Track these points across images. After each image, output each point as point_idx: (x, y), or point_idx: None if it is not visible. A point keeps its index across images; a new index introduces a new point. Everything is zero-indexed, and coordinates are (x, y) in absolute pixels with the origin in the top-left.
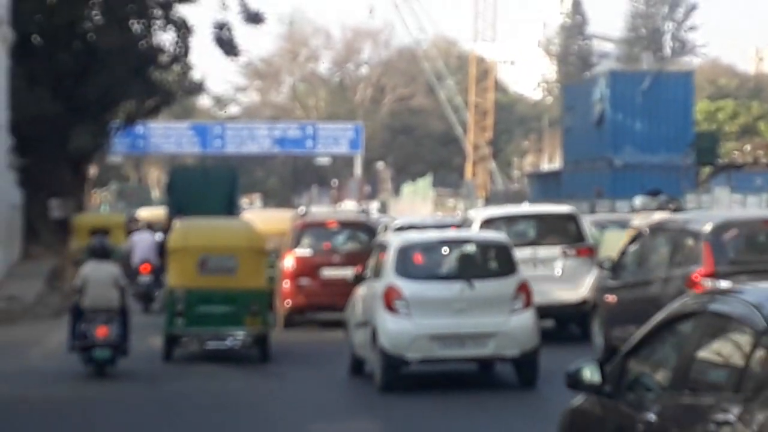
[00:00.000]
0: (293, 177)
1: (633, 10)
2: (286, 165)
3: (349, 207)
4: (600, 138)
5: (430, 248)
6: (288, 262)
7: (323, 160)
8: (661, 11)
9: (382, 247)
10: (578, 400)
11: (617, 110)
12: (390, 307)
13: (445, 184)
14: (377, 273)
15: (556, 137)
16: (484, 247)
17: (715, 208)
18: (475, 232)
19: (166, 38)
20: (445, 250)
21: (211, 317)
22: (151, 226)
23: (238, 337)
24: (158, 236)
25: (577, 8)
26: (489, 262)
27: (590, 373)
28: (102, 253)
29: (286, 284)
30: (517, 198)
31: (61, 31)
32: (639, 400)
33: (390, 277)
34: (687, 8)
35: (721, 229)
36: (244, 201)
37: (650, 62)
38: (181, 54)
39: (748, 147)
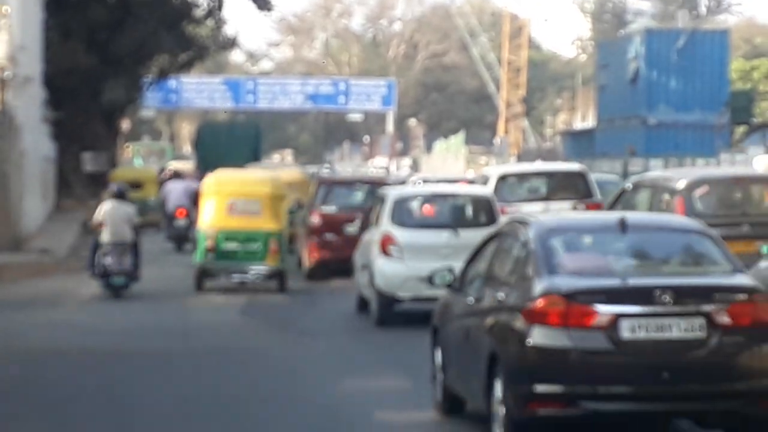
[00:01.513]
0: (325, 133)
1: None
2: (318, 121)
3: (380, 164)
4: (634, 96)
5: (423, 200)
6: (314, 219)
7: (355, 117)
8: None
9: (382, 199)
10: (444, 294)
11: (652, 68)
12: (385, 251)
13: (477, 141)
14: (377, 222)
15: (589, 95)
16: (469, 200)
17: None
18: (463, 187)
19: None
20: (434, 202)
21: (237, 253)
22: (179, 175)
23: (259, 271)
24: (193, 185)
25: None
26: (473, 213)
27: (447, 277)
28: (120, 194)
29: (312, 239)
30: (549, 156)
31: None
32: (468, 290)
33: (386, 225)
34: None
35: (693, 185)
36: (275, 157)
37: (685, 20)
38: (215, 8)
39: None
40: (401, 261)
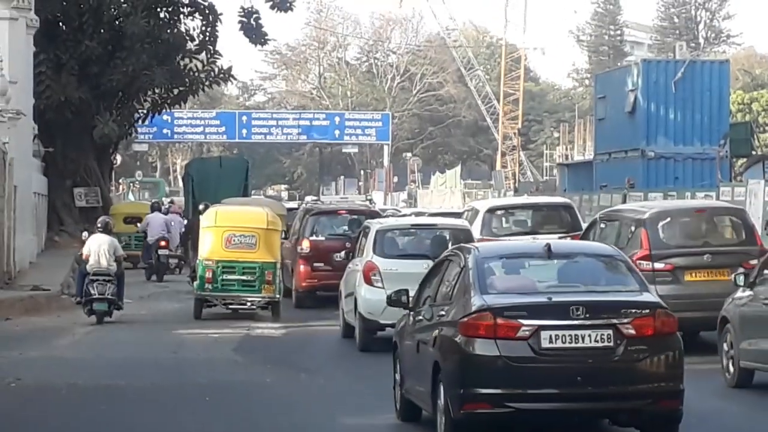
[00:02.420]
0: (320, 167)
1: None
2: (313, 155)
3: (376, 198)
4: (632, 128)
5: (403, 232)
6: (303, 247)
7: (350, 150)
8: (695, 0)
9: (365, 231)
10: (403, 314)
11: (650, 100)
12: (368, 280)
13: (474, 174)
14: (361, 252)
15: (587, 127)
16: (447, 231)
17: (750, 200)
18: (440, 219)
19: (193, 25)
20: (414, 233)
21: (234, 284)
22: (159, 208)
23: (255, 300)
24: (179, 221)
25: None
26: (451, 243)
27: (404, 297)
28: (105, 228)
29: (301, 267)
30: (547, 188)
31: (86, 18)
32: (420, 310)
33: (369, 255)
34: None
35: (657, 217)
36: (269, 191)
37: (684, 52)
38: (208, 42)
39: None
40: (383, 289)
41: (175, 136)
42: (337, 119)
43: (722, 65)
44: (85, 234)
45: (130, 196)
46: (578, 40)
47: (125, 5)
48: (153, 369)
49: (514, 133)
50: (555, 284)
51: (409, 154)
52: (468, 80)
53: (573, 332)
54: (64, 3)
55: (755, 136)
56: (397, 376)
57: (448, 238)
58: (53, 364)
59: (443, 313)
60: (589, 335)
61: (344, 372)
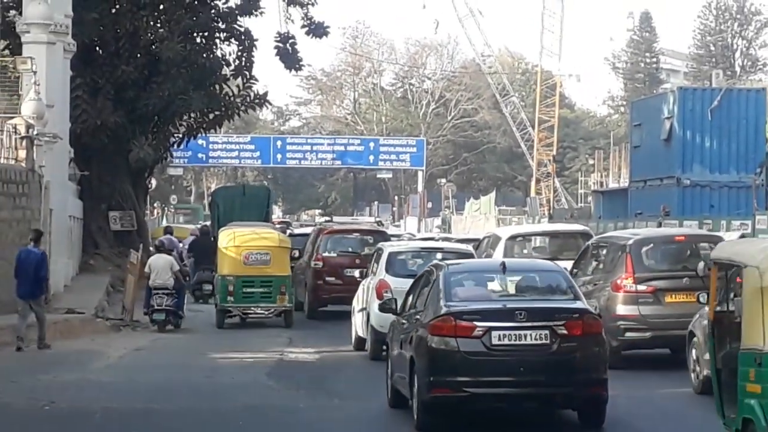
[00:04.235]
0: (354, 192)
1: (703, 27)
2: (347, 180)
3: (410, 225)
4: (668, 155)
5: (413, 254)
6: (317, 263)
7: (384, 175)
8: (731, 28)
9: (379, 253)
10: (393, 319)
11: (686, 127)
12: (380, 296)
13: (509, 201)
14: (374, 271)
15: (623, 154)
16: (452, 254)
17: None
18: (446, 244)
19: (228, 50)
20: (422, 255)
21: (252, 296)
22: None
23: (270, 310)
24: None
25: (646, 23)
26: None
27: (393, 304)
28: (162, 248)
29: (314, 281)
30: (582, 215)
31: (123, 42)
32: (404, 315)
33: (381, 275)
34: (758, 25)
35: (641, 243)
36: (303, 216)
37: (720, 80)
38: (244, 67)
39: None
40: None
41: (210, 160)
42: (371, 145)
43: (759, 93)
44: (133, 254)
45: (164, 221)
46: (614, 68)
47: (162, 30)
48: (187, 393)
49: (549, 160)
50: (506, 294)
51: (443, 180)
52: (503, 106)
53: (517, 332)
54: (101, 28)
55: None
56: (389, 371)
57: (452, 258)
58: (87, 387)
59: (419, 317)
60: (530, 334)
61: (377, 397)
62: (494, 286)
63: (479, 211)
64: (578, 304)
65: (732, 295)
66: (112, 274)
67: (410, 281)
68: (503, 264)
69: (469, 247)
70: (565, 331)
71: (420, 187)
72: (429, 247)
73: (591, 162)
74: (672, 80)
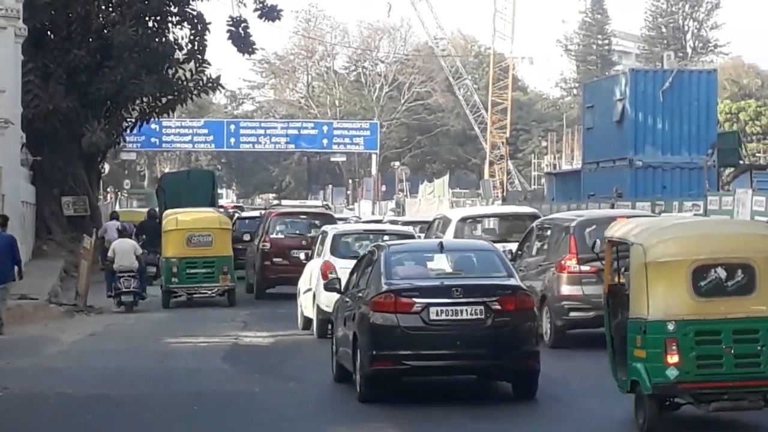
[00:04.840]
0: (308, 176)
1: (654, 8)
2: (301, 164)
3: (364, 208)
4: (620, 137)
5: (357, 236)
6: (264, 245)
7: (338, 158)
8: (682, 9)
9: (323, 235)
10: (338, 297)
11: (638, 109)
12: (325, 277)
13: (462, 184)
14: (319, 253)
15: (575, 136)
16: (394, 236)
17: (738, 210)
18: (389, 226)
19: (181, 34)
20: (367, 237)
21: (196, 276)
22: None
23: (214, 290)
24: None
25: (597, 5)
26: None
27: (337, 284)
28: (125, 232)
29: (263, 262)
30: (535, 198)
31: (74, 26)
32: (348, 293)
33: (326, 256)
34: (709, 6)
35: (584, 224)
36: (257, 200)
37: (672, 61)
38: (197, 51)
39: None
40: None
41: (164, 144)
42: (325, 128)
43: (710, 75)
44: (86, 240)
45: (117, 206)
46: (566, 50)
47: (113, 14)
48: (141, 378)
49: (502, 143)
50: (443, 272)
51: (397, 163)
52: (456, 89)
53: (454, 308)
54: (53, 12)
55: (743, 146)
56: (334, 347)
57: (396, 240)
58: (41, 373)
59: (361, 295)
60: (466, 310)
61: (323, 373)
62: (432, 264)
63: (433, 194)
64: (511, 281)
65: (623, 269)
66: (65, 259)
67: (354, 262)
68: (441, 244)
69: (410, 229)
70: (498, 307)
71: (374, 171)
72: (371, 229)
73: (544, 144)
74: (624, 62)
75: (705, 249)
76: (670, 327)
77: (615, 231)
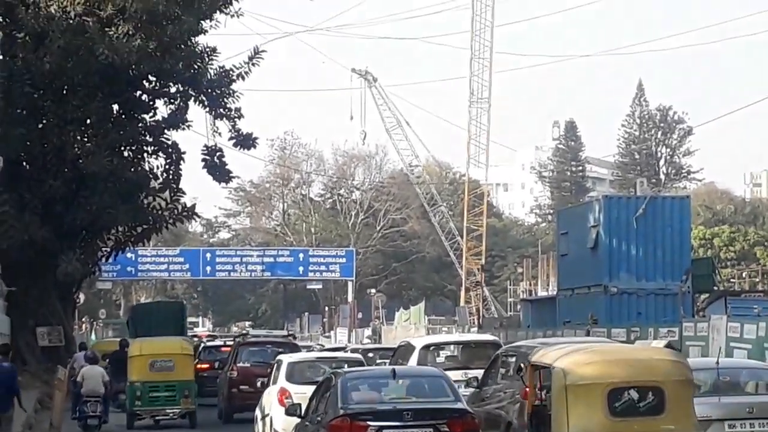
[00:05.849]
0: (284, 303)
1: (627, 135)
2: (278, 291)
3: (340, 335)
4: (595, 264)
5: (310, 364)
6: (231, 373)
7: (314, 285)
8: (655, 136)
9: (279, 363)
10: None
11: (612, 235)
12: (281, 402)
13: (438, 310)
14: (275, 380)
15: (551, 262)
16: (344, 362)
17: (713, 336)
18: (340, 353)
19: (156, 164)
20: (321, 365)
21: (158, 399)
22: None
23: (175, 412)
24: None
25: (571, 132)
26: None
27: (298, 410)
28: (94, 360)
29: (230, 390)
30: (511, 324)
31: (50, 157)
32: (308, 418)
33: (282, 383)
34: (681, 133)
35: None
36: (233, 328)
37: (645, 188)
38: (172, 180)
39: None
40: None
41: (139, 273)
42: (301, 256)
43: (683, 201)
44: (60, 371)
45: (93, 336)
46: (540, 176)
47: (89, 144)
48: None
49: (478, 269)
50: (396, 397)
51: (373, 290)
52: (431, 216)
53: (405, 431)
54: (28, 143)
55: (717, 272)
56: None
57: (346, 366)
58: None
59: (320, 419)
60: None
61: None
62: (386, 390)
63: (409, 320)
64: (458, 405)
65: (545, 391)
66: (40, 390)
67: (308, 387)
68: (393, 371)
69: (358, 356)
70: (447, 429)
71: (350, 298)
72: (323, 356)
73: (520, 270)
74: (598, 188)
75: (619, 373)
76: None
77: (538, 356)
